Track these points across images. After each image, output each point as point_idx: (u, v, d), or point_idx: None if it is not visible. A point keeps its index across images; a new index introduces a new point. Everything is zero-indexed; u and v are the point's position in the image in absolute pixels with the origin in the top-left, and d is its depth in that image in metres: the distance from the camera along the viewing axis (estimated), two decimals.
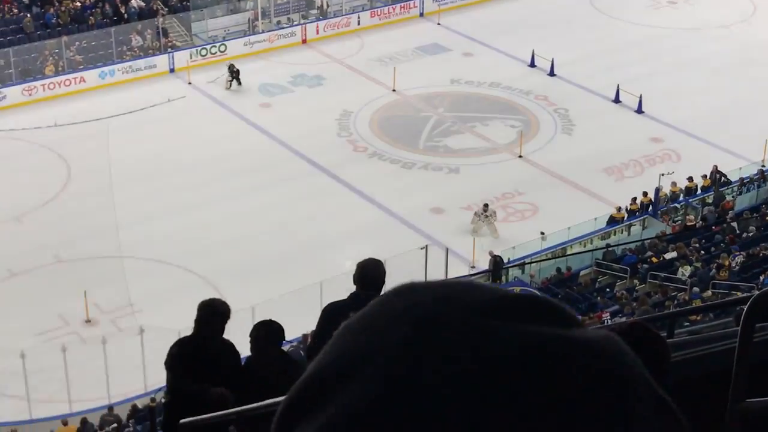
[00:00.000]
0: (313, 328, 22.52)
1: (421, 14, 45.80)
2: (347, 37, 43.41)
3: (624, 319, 21.96)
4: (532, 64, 40.51)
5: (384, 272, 6.89)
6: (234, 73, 37.99)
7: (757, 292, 4.86)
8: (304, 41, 42.96)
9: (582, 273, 27.26)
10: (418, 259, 26.30)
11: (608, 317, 22.63)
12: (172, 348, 7.15)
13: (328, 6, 44.53)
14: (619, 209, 29.89)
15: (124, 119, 34.60)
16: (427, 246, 26.87)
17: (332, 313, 6.93)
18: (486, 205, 29.37)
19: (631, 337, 2.62)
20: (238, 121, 36.16)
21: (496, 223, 29.40)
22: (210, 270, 27.64)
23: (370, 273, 6.82)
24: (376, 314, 1.04)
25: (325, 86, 39.22)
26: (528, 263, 28.12)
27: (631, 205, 29.94)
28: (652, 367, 2.58)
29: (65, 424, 21.82)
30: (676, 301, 23.23)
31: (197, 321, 6.73)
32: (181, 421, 6.35)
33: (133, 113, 34.76)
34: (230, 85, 38.11)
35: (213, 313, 6.59)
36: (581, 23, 44.78)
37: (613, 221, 29.66)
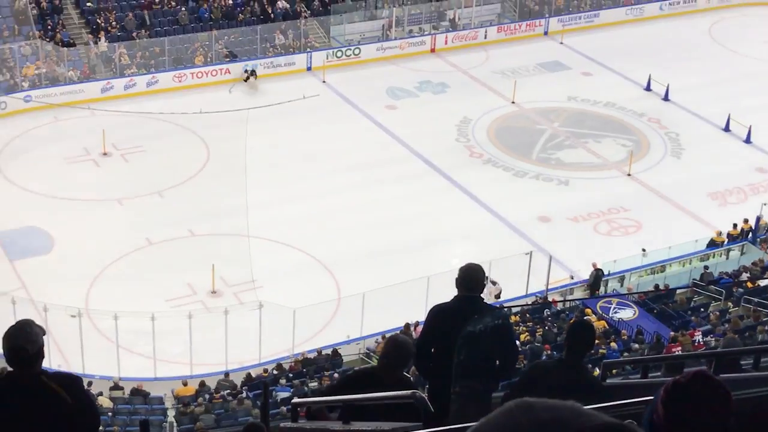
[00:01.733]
0: (415, 320, 22.65)
1: (546, 33, 45.34)
2: (473, 49, 43.25)
3: (713, 339, 21.39)
4: (648, 88, 39.70)
5: (484, 276, 6.82)
6: (251, 72, 38.40)
7: None
8: (432, 50, 42.98)
9: (679, 291, 26.61)
10: (522, 264, 26.08)
11: (700, 336, 22.05)
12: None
13: (459, 19, 44.44)
14: (719, 233, 29.09)
15: (262, 111, 35.16)
16: (531, 252, 26.62)
17: (438, 315, 6.89)
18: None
19: (693, 388, 2.53)
20: (365, 120, 36.39)
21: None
22: (327, 255, 27.91)
23: (472, 277, 6.76)
24: (502, 425, 1.18)
25: (449, 93, 39.16)
26: (627, 277, 27.63)
27: (731, 230, 29.13)
28: (713, 420, 2.50)
29: (185, 384, 22.26)
30: (766, 327, 22.46)
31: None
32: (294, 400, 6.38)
33: (271, 106, 35.30)
34: (247, 78, 38.36)
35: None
36: (699, 52, 43.73)
37: (713, 244, 28.89)
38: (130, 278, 26.48)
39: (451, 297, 6.89)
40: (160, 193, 30.76)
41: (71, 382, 5.00)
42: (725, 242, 29.10)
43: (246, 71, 38.32)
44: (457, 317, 6.50)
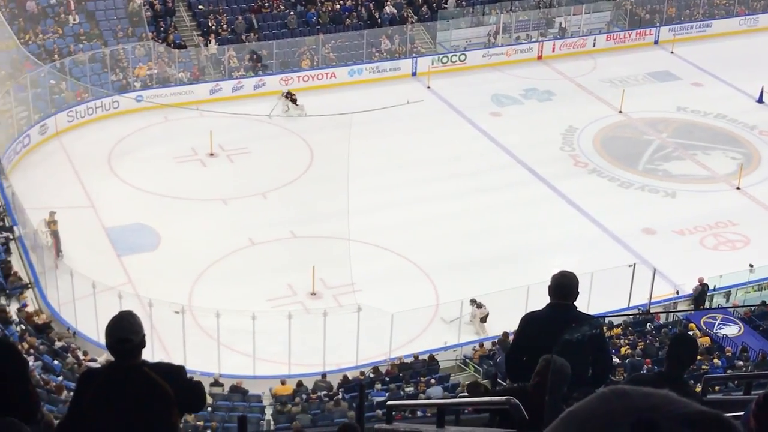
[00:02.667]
0: (514, 329, 22.56)
1: (656, 42, 44.59)
2: (581, 57, 42.82)
3: None
4: (760, 100, 38.69)
5: (577, 284, 6.77)
6: (289, 96, 36.80)
7: None
8: (539, 57, 42.68)
9: None
10: (625, 277, 25.68)
11: None
12: None
13: (568, 27, 44.02)
14: None
15: (366, 115, 35.44)
16: (635, 264, 26.19)
17: (529, 322, 6.88)
18: (473, 301, 25.59)
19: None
20: (469, 127, 36.35)
21: (484, 324, 25.74)
22: (426, 261, 27.94)
23: (565, 285, 6.72)
24: (599, 411, 1.24)
25: (554, 101, 38.85)
26: (733, 292, 26.97)
27: None
28: None
29: (283, 383, 22.57)
30: None
31: None
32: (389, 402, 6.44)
33: (375, 111, 35.53)
34: (288, 107, 36.62)
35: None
36: None
37: None
38: (232, 277, 26.97)
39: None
40: (263, 195, 31.26)
41: (173, 372, 5.08)
42: None
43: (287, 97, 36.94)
44: (549, 325, 6.49)
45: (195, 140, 34.03)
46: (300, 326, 23.74)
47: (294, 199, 31.00)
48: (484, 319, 25.54)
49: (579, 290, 6.83)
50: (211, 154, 33.51)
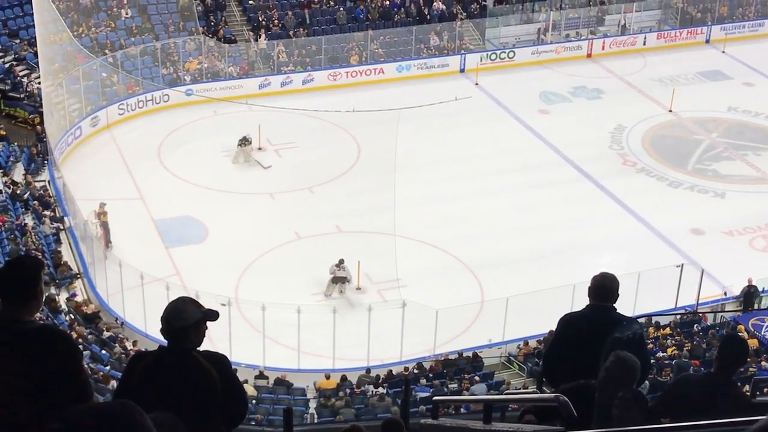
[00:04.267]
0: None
1: (707, 41, 44.01)
2: (631, 55, 42.41)
3: None
4: None
5: (618, 286, 6.67)
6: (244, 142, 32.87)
7: None
8: (588, 55, 42.32)
9: None
10: (673, 277, 25.39)
11: None
12: None
13: (627, 24, 43.55)
14: None
15: (414, 111, 35.36)
16: (683, 265, 25.87)
17: (568, 323, 6.81)
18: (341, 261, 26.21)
19: None
20: (517, 124, 36.16)
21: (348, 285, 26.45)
22: (471, 257, 27.84)
23: (606, 286, 6.65)
24: None
25: (603, 100, 38.51)
26: None
27: None
28: None
29: (327, 377, 22.60)
30: None
31: None
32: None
33: (423, 107, 35.45)
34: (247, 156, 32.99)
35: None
36: None
37: None
38: (278, 270, 27.07)
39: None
40: (310, 189, 31.34)
41: (221, 360, 5.15)
42: None
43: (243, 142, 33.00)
44: (588, 327, 6.42)
45: (244, 134, 34.16)
46: (345, 321, 23.74)
47: (340, 194, 31.04)
48: (340, 281, 25.99)
49: (619, 292, 6.74)
50: (260, 149, 33.65)
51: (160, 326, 5.16)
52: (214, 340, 23.26)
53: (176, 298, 5.24)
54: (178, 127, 35.11)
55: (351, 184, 31.63)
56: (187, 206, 30.04)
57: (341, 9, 40.83)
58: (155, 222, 29.21)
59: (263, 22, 39.53)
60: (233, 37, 39.16)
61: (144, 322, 23.10)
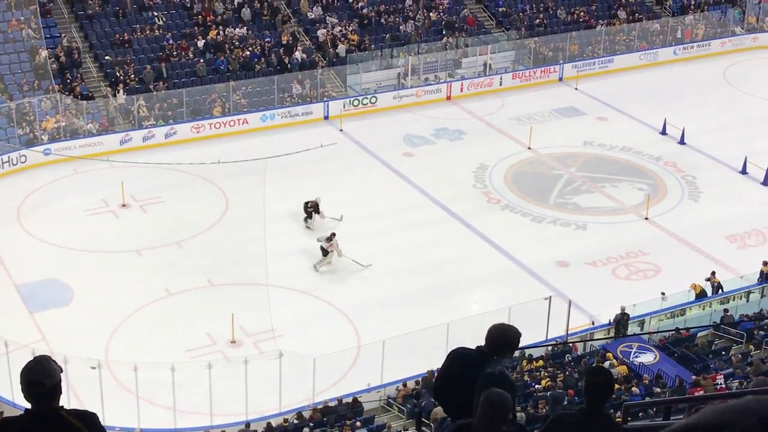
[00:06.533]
0: (437, 366, 22.41)
1: (560, 79, 45.58)
2: (489, 96, 43.53)
3: (736, 383, 21.18)
4: (664, 132, 39.78)
5: (516, 337, 6.68)
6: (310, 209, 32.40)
7: None
8: (448, 98, 43.25)
9: (699, 335, 26.46)
10: (542, 309, 25.98)
11: (722, 380, 21.86)
12: None
13: (490, 64, 44.69)
14: (766, 263, 28.96)
15: (280, 160, 35.37)
16: (551, 297, 26.52)
17: (456, 358, 6.85)
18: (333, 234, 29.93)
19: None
20: (383, 168, 36.54)
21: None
22: (347, 302, 27.90)
23: (502, 339, 6.69)
24: (739, 404, 1.94)
25: (465, 140, 39.34)
26: (647, 321, 27.45)
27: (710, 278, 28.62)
28: None
29: None
30: None
31: None
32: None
33: (289, 155, 35.50)
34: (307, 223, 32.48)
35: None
36: (713, 96, 43.91)
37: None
38: (149, 329, 26.52)
39: (475, 344, 6.87)
40: (179, 244, 30.88)
41: (91, 418, 5.01)
42: None
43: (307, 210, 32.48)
44: (475, 363, 6.49)
45: (106, 192, 33.53)
46: (221, 375, 23.39)
47: (210, 247, 30.70)
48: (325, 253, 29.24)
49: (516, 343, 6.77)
50: (124, 205, 33.02)
51: (28, 390, 4.93)
52: (85, 403, 22.56)
53: (33, 359, 5.04)
54: (38, 187, 34.16)
55: (220, 236, 31.32)
56: (51, 269, 29.17)
57: (201, 61, 40.63)
58: (17, 287, 28.24)
59: (121, 77, 38.97)
60: (91, 94, 38.45)
61: (11, 390, 22.19)
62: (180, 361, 23.43)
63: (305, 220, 32.18)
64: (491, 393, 5.64)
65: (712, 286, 28.35)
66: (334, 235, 29.76)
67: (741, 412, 1.91)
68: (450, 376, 6.75)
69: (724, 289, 28.37)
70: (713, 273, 28.59)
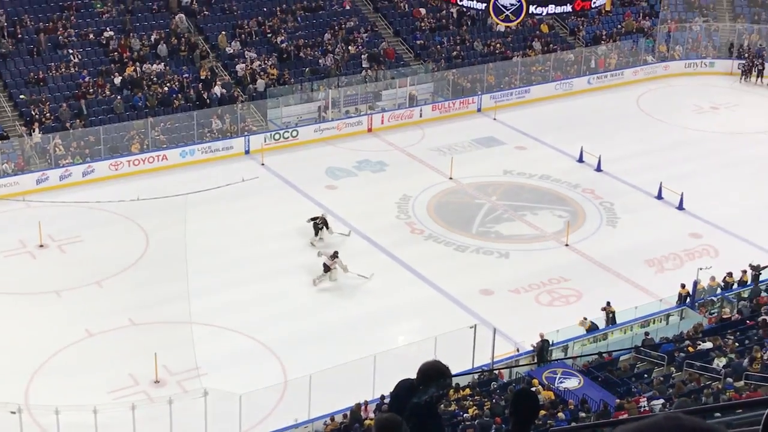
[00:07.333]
0: (364, 399, 22.41)
1: (479, 109, 46.19)
2: (410, 127, 43.89)
3: (660, 403, 21.55)
4: (581, 160, 40.52)
5: (442, 372, 6.65)
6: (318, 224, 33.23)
7: None
8: (369, 130, 43.49)
9: (622, 358, 26.85)
10: (467, 338, 26.14)
11: (645, 402, 22.22)
12: None
13: (415, 95, 45.12)
14: (684, 286, 29.54)
15: (201, 195, 35.12)
16: (476, 325, 26.70)
17: (397, 389, 6.82)
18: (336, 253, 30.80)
19: None
20: (306, 201, 36.51)
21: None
22: (272, 339, 27.71)
23: (430, 375, 6.68)
24: (650, 423, 1.97)
25: (387, 172, 39.55)
26: (571, 346, 27.80)
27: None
28: None
29: None
30: (710, 390, 22.76)
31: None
32: None
33: (210, 190, 35.27)
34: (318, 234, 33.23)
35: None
36: (628, 123, 44.94)
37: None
38: (70, 371, 25.97)
39: (401, 375, 6.89)
40: (99, 283, 30.38)
41: None
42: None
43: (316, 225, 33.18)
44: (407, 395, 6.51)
45: (23, 232, 32.86)
46: (145, 416, 23.03)
47: (131, 286, 30.25)
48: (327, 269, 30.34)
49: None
50: (41, 246, 32.39)
51: None
52: None
53: None
54: None
55: (141, 274, 30.90)
56: None
57: (118, 98, 40.22)
58: None
59: (36, 116, 38.35)
60: (5, 133, 37.75)
61: None
62: (103, 403, 23.02)
63: (316, 235, 33.07)
64: (378, 417, 5.70)
65: (607, 316, 28.68)
66: (337, 253, 30.65)
67: (652, 431, 1.99)
68: (393, 407, 6.77)
69: (616, 321, 28.43)
70: (608, 303, 28.86)
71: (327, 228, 33.20)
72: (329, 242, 32.74)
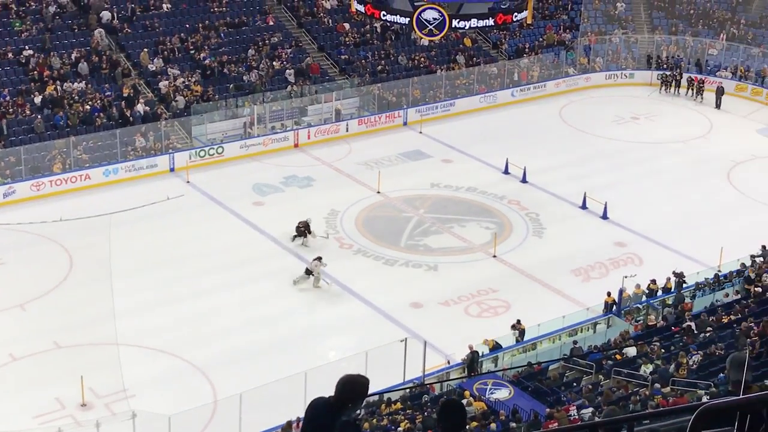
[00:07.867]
0: (296, 416, 22.26)
1: (405, 123, 46.41)
2: (336, 142, 43.90)
3: (588, 413, 21.81)
4: (506, 171, 40.94)
5: (361, 386, 6.61)
6: (302, 229, 34.25)
7: (703, 405, 4.91)
8: (296, 145, 43.38)
9: (551, 368, 27.12)
10: (398, 352, 26.16)
11: (575, 411, 22.46)
12: None
13: (342, 111, 45.16)
14: (610, 294, 29.98)
15: (126, 215, 34.64)
16: (406, 339, 26.71)
17: (313, 410, 6.78)
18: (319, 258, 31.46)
19: None
20: (233, 218, 36.25)
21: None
22: (201, 358, 27.40)
23: (359, 391, 6.63)
24: None
25: (315, 187, 39.48)
26: (501, 357, 28.01)
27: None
28: None
29: None
30: (638, 397, 23.09)
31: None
32: None
33: (134, 209, 34.81)
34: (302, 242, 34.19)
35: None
36: (551, 134, 45.58)
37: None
38: None
39: (333, 391, 6.85)
40: (21, 306, 29.74)
41: None
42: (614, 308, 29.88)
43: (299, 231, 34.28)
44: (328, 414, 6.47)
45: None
46: None
47: (55, 308, 29.66)
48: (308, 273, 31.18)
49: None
50: None
51: None
52: None
53: None
54: None
55: (65, 296, 30.33)
56: None
57: (39, 117, 39.50)
58: None
59: None
60: None
61: None
62: (29, 429, 22.56)
63: (294, 238, 34.06)
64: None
65: (519, 333, 28.91)
66: (320, 258, 31.39)
67: None
68: (308, 428, 6.72)
69: (525, 337, 28.65)
70: (518, 321, 29.06)
71: (310, 233, 34.08)
72: (314, 246, 33.55)
